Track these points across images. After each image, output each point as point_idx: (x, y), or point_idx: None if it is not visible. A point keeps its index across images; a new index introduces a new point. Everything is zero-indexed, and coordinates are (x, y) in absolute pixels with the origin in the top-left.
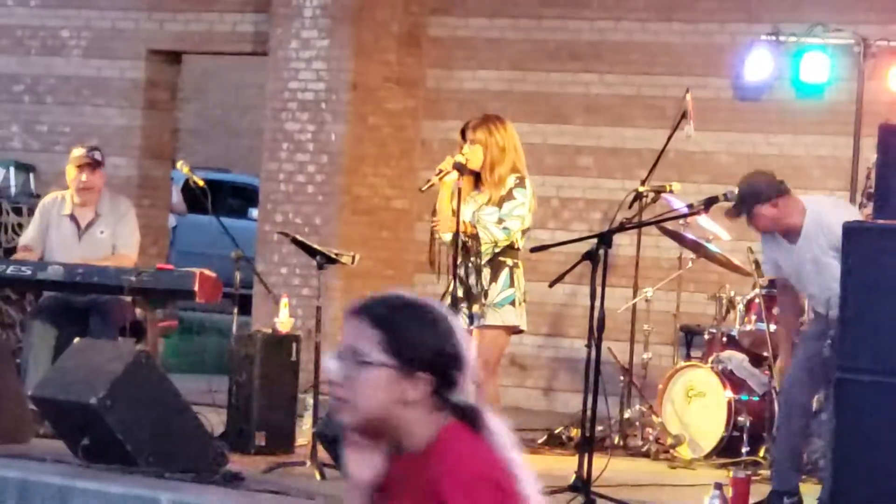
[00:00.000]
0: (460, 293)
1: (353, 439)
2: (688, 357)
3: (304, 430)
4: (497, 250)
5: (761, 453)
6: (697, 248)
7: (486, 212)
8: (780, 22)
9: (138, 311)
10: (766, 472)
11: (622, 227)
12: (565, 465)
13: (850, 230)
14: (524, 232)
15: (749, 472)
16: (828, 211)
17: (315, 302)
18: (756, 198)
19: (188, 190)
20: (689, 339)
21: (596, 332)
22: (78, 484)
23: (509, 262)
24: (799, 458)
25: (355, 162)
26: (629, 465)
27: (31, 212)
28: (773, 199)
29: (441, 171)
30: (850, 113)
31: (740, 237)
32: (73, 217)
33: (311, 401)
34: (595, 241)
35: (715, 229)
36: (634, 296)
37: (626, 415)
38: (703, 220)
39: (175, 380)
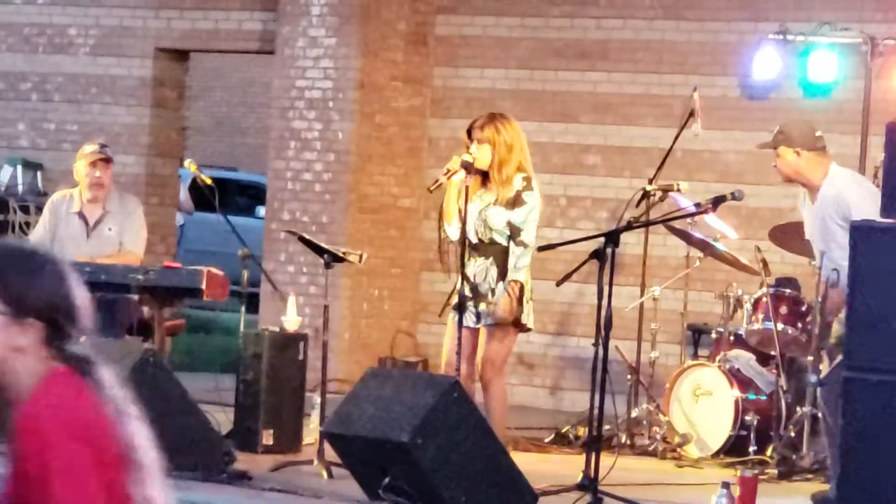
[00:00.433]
0: (468, 291)
1: None
2: (695, 356)
3: (312, 429)
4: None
5: (769, 452)
6: (705, 247)
7: (493, 211)
8: (787, 21)
9: (146, 309)
10: (773, 472)
11: (630, 226)
12: (572, 464)
13: (857, 229)
14: None
15: (756, 471)
16: (847, 183)
17: (322, 300)
18: (786, 140)
19: (195, 188)
20: (697, 337)
21: (603, 330)
22: None
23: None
24: None
25: (362, 160)
26: (636, 463)
27: (38, 210)
28: (800, 148)
29: (449, 171)
30: (858, 112)
31: (748, 236)
32: (81, 214)
33: (318, 399)
34: (602, 239)
35: (723, 228)
36: (642, 294)
37: (634, 414)
38: (710, 218)
39: (182, 378)
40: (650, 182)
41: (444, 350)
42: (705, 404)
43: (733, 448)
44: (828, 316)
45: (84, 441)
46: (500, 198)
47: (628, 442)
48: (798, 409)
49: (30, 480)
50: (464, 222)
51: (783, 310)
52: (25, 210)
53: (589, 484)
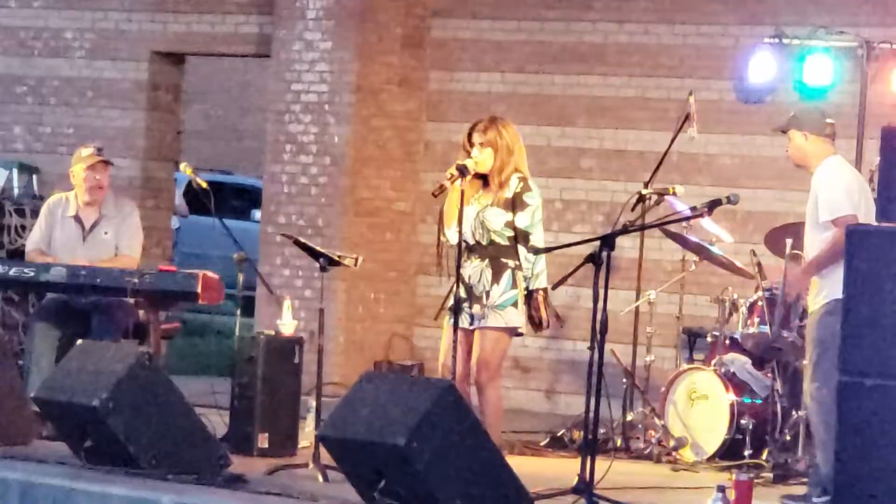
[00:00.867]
0: (462, 293)
1: None
2: (690, 360)
3: (307, 433)
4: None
5: (764, 456)
6: (700, 251)
7: (491, 212)
8: (783, 24)
9: (141, 312)
10: (768, 475)
11: (625, 230)
12: (568, 468)
13: (852, 233)
14: None
15: (752, 475)
16: (828, 175)
17: (318, 304)
18: (797, 123)
19: (191, 191)
20: (692, 341)
21: (599, 334)
22: (80, 486)
23: (511, 263)
24: None
25: (358, 164)
26: (632, 467)
27: (34, 213)
28: (808, 132)
29: (452, 176)
30: (854, 115)
31: (743, 240)
32: (77, 218)
33: (313, 403)
34: (598, 243)
35: (718, 232)
36: (637, 298)
37: (629, 417)
38: (706, 222)
39: (178, 381)
40: (646, 186)
41: (441, 352)
42: (701, 408)
43: (729, 452)
44: (786, 296)
45: None
46: (498, 199)
47: (624, 446)
48: (793, 412)
49: None
50: (460, 225)
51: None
52: (21, 213)
53: (584, 488)
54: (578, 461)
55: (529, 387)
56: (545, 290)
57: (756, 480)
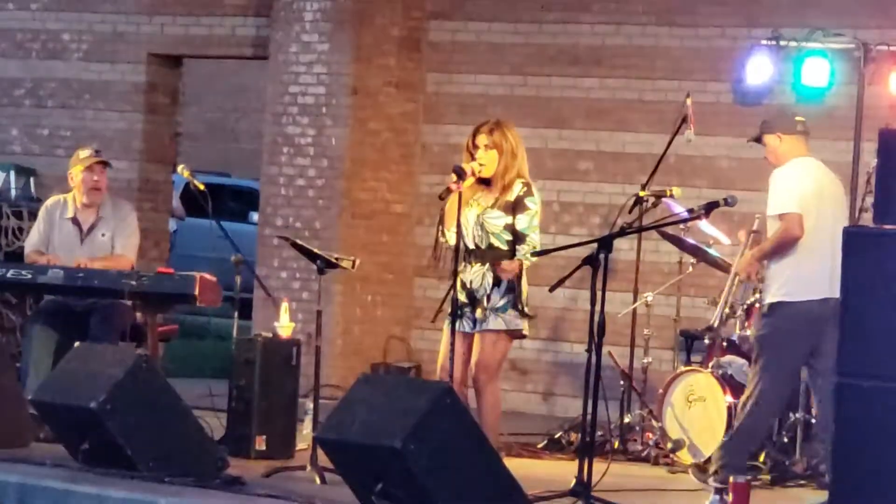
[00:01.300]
0: (463, 297)
1: None
2: (688, 362)
3: (305, 435)
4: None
5: (761, 458)
6: (697, 253)
7: (492, 215)
8: (780, 26)
9: (139, 315)
10: (765, 477)
11: (622, 232)
12: (565, 470)
13: (850, 235)
14: None
15: (749, 477)
16: (784, 171)
17: (315, 306)
18: (767, 127)
19: (188, 194)
20: (690, 343)
21: (596, 336)
22: (78, 488)
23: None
24: None
25: (355, 166)
26: (629, 469)
27: (31, 215)
28: (780, 132)
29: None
30: (851, 118)
31: (740, 242)
32: (75, 220)
33: (311, 405)
34: (595, 245)
35: (715, 234)
36: (635, 300)
37: (627, 419)
38: (703, 224)
39: (175, 384)
40: (643, 188)
41: (441, 355)
42: (698, 410)
43: None
44: (737, 274)
45: None
46: (499, 202)
47: (621, 448)
48: (790, 414)
49: None
50: (458, 227)
51: None
52: (18, 216)
53: (582, 490)
54: (576, 463)
55: (527, 389)
56: (521, 264)
57: (753, 482)
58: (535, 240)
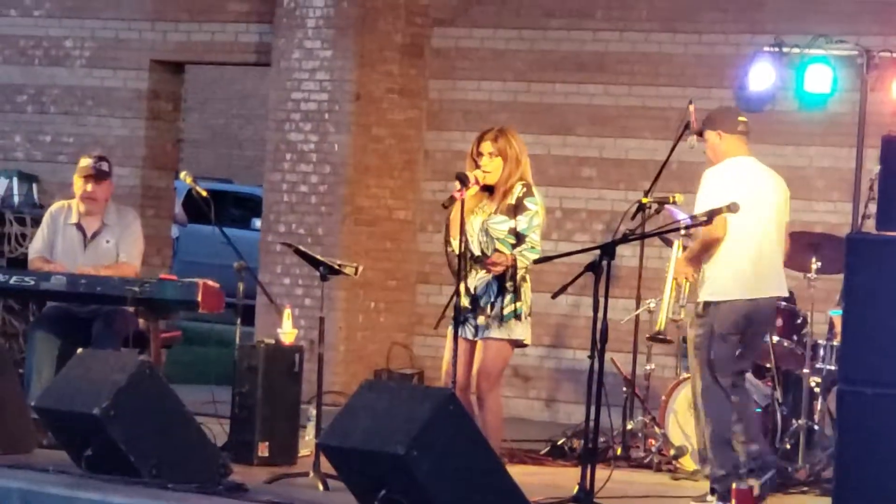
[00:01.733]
0: (467, 304)
1: None
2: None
3: (307, 441)
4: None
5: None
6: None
7: (496, 220)
8: (783, 33)
9: (141, 321)
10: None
11: (625, 239)
12: (568, 477)
13: (852, 242)
14: None
15: (751, 484)
16: (714, 171)
17: (318, 313)
18: (710, 123)
19: (191, 200)
20: None
21: (599, 343)
22: (81, 495)
23: (517, 275)
24: None
25: (358, 172)
26: (632, 476)
27: (34, 222)
28: (721, 130)
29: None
30: (853, 124)
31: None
32: (79, 226)
33: (314, 411)
34: (598, 252)
35: None
36: (637, 307)
37: (629, 426)
38: None
39: (178, 390)
40: (646, 194)
41: (444, 362)
42: None
43: None
44: (675, 277)
45: None
46: (502, 207)
47: (624, 454)
48: (794, 421)
49: None
50: (461, 234)
51: (778, 322)
52: (21, 222)
53: (584, 496)
54: (579, 470)
55: (529, 396)
56: (514, 259)
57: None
58: (534, 240)
